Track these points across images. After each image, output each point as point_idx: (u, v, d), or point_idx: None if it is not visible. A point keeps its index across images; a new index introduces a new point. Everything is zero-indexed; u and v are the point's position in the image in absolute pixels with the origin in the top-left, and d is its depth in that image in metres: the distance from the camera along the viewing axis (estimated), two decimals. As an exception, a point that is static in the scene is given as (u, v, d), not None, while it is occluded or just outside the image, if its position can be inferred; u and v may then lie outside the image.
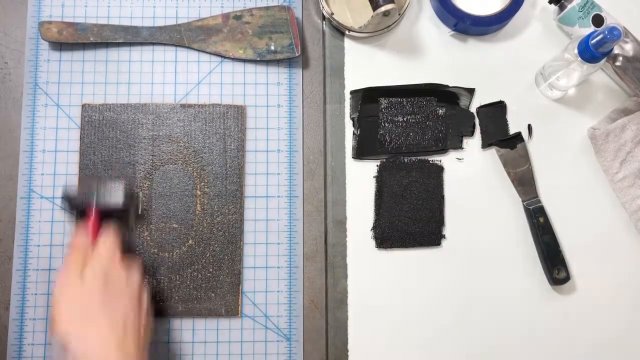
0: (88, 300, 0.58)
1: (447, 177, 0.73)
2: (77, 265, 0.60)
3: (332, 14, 0.72)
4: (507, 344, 0.71)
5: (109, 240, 0.62)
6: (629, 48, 0.72)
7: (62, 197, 0.68)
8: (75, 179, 0.71)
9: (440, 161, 0.73)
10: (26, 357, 0.68)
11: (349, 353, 0.70)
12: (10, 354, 0.68)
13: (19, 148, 0.71)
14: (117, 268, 0.61)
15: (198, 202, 0.71)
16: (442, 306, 0.71)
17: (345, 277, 0.71)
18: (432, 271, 0.71)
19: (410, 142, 0.73)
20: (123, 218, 0.67)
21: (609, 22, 0.72)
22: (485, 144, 0.74)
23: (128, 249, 0.66)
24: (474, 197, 0.73)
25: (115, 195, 0.66)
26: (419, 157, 0.73)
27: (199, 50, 0.74)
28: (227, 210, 0.71)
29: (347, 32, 0.74)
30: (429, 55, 0.75)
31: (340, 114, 0.74)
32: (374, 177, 0.73)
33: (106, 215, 0.65)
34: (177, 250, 0.70)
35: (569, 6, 0.72)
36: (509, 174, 0.73)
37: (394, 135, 0.73)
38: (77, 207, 0.66)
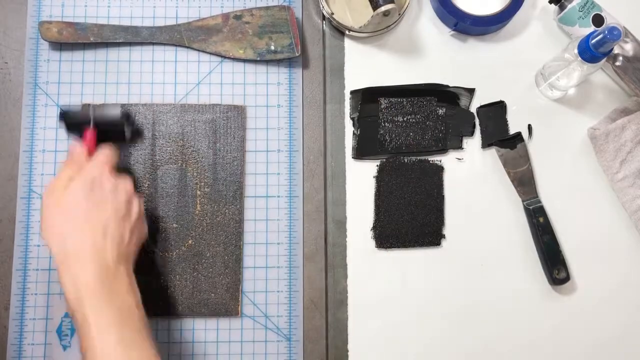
0: (71, 204, 0.59)
1: (447, 177, 0.73)
2: (68, 174, 0.60)
3: (332, 13, 0.72)
4: (507, 343, 0.71)
5: (103, 153, 0.63)
6: (629, 48, 0.72)
7: (60, 115, 0.67)
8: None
9: (440, 161, 0.73)
10: (26, 357, 0.68)
11: (349, 353, 0.70)
12: (10, 354, 0.68)
13: (19, 148, 0.71)
14: (105, 177, 0.61)
15: (198, 202, 0.71)
16: (442, 306, 0.71)
17: (345, 277, 0.71)
18: (432, 271, 0.71)
19: (410, 142, 0.73)
20: (118, 137, 0.68)
21: (609, 22, 0.72)
22: (485, 144, 0.74)
23: (123, 168, 0.68)
24: (474, 197, 0.73)
25: (110, 110, 0.67)
26: (419, 157, 0.73)
27: (199, 50, 0.74)
28: (227, 210, 0.71)
29: (347, 32, 0.74)
30: (429, 55, 0.75)
31: (340, 114, 0.74)
32: (374, 177, 0.73)
33: (103, 134, 0.66)
34: (177, 250, 0.70)
35: (569, 6, 0.72)
36: (509, 174, 0.73)
37: (394, 135, 0.73)
38: (74, 124, 0.66)
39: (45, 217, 0.59)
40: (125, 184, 0.62)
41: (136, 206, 0.62)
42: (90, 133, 0.65)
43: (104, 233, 0.58)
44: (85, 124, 0.66)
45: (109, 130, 0.67)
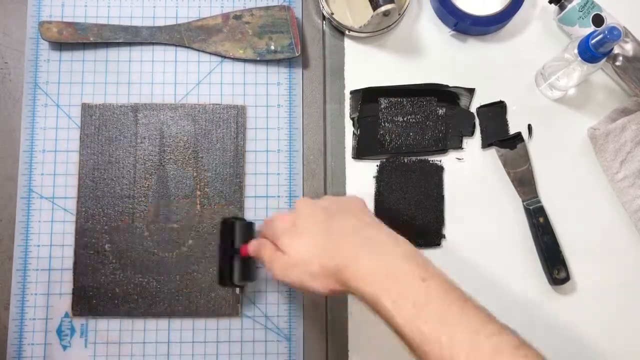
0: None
1: (447, 177, 0.73)
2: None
3: (332, 13, 0.72)
4: (507, 344, 0.70)
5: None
6: (629, 48, 0.72)
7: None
8: (75, 179, 0.71)
9: (440, 161, 0.73)
10: (26, 357, 0.68)
11: (349, 353, 0.70)
12: (10, 354, 0.68)
13: (19, 148, 0.71)
14: None
15: (198, 202, 0.71)
16: (442, 306, 0.71)
17: (345, 277, 0.71)
18: (432, 271, 0.71)
19: (410, 142, 0.73)
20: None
21: (609, 22, 0.72)
22: (485, 144, 0.74)
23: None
24: (474, 197, 0.73)
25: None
26: (419, 157, 0.73)
27: (199, 50, 0.74)
28: (227, 210, 0.71)
29: (347, 32, 0.74)
30: (429, 55, 0.75)
31: (340, 114, 0.74)
32: (374, 177, 0.73)
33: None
34: (177, 250, 0.70)
35: (569, 6, 0.72)
36: (509, 174, 0.73)
37: (394, 135, 0.73)
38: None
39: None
40: None
41: None
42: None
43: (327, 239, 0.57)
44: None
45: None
